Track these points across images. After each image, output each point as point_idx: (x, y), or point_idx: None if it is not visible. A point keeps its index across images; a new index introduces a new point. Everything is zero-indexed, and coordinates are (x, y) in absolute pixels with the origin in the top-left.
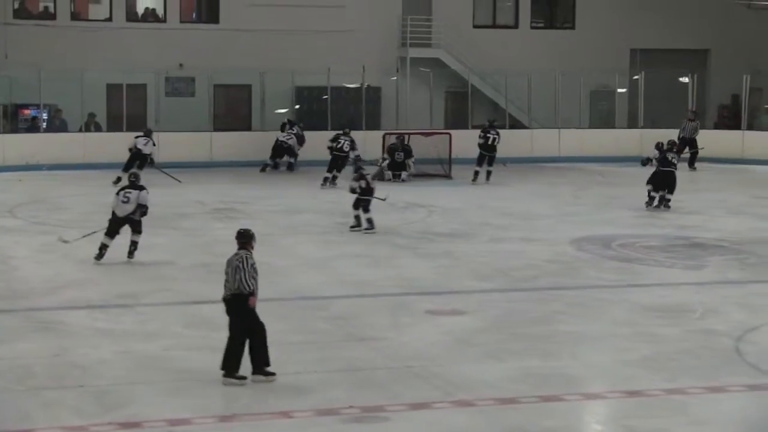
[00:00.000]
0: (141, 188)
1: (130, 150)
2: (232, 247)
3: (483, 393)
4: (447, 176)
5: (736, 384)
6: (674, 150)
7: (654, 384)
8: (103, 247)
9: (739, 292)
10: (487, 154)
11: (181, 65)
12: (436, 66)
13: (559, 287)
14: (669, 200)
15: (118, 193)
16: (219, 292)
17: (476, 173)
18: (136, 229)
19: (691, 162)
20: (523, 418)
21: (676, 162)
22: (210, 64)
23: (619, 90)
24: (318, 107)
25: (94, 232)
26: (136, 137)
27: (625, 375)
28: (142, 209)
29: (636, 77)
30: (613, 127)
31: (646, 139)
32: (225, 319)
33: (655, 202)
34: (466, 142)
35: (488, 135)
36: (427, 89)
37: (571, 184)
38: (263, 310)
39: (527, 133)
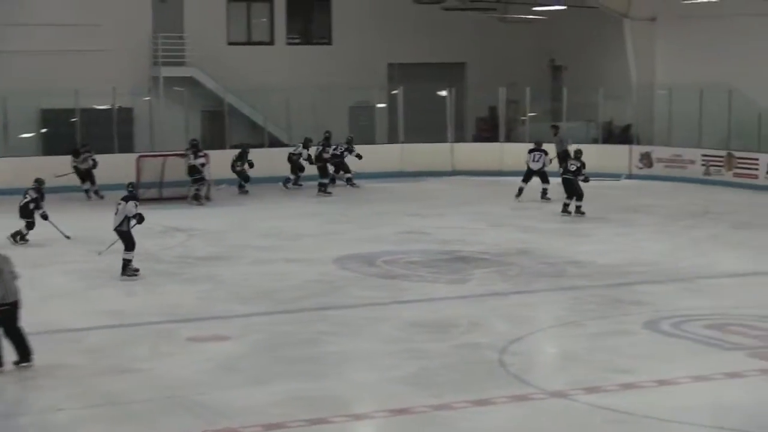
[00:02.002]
0: (130, 199)
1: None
2: None
3: (248, 419)
4: (207, 198)
5: (501, 396)
6: (576, 158)
7: (421, 401)
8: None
9: (502, 303)
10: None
11: None
12: (190, 85)
13: (324, 307)
14: (579, 206)
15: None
16: None
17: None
18: (126, 245)
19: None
20: None
21: (573, 169)
22: None
23: (379, 105)
24: (66, 130)
25: (113, 244)
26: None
27: (392, 393)
28: (129, 221)
29: (395, 92)
30: (374, 142)
31: (407, 154)
32: None
33: (569, 209)
34: (225, 162)
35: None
36: (182, 109)
37: (338, 202)
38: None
39: (286, 151)
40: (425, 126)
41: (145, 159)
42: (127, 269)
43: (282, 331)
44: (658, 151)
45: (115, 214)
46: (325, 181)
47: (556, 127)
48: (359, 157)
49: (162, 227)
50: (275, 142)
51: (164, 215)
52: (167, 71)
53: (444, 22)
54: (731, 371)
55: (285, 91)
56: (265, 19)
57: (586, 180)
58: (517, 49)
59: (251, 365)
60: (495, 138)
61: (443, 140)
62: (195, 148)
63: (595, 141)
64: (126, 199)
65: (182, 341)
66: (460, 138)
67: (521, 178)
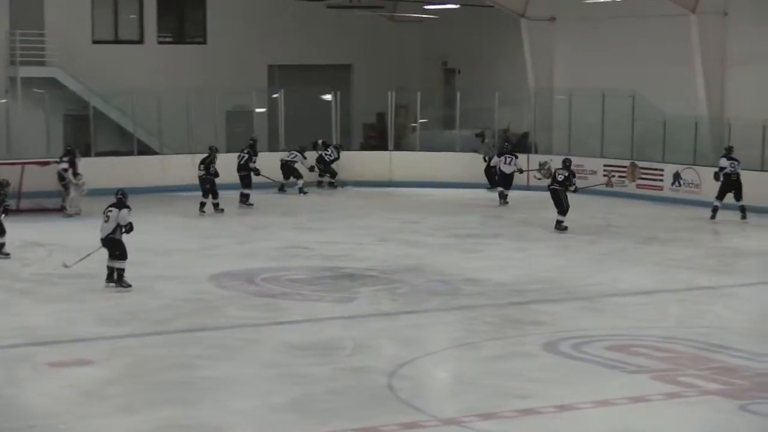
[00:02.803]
0: (122, 206)
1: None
2: None
3: None
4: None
5: (390, 423)
6: (567, 166)
7: (304, 429)
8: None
9: (390, 324)
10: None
11: None
12: (52, 86)
13: (198, 328)
14: (561, 221)
15: (104, 212)
16: None
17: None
18: (115, 254)
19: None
20: None
21: (561, 179)
22: None
23: (258, 110)
24: None
25: (89, 255)
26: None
27: (272, 421)
28: (121, 229)
29: (275, 95)
30: None
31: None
32: None
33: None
34: (93, 170)
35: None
36: (42, 112)
37: (212, 215)
38: None
39: (158, 159)
40: (308, 133)
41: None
42: (123, 281)
43: (152, 354)
44: (557, 161)
45: (105, 222)
46: (248, 191)
47: (482, 135)
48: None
49: (20, 242)
50: (145, 150)
51: (23, 228)
52: (26, 71)
53: (329, 21)
54: (635, 395)
55: (156, 94)
56: (134, 16)
57: (575, 191)
58: (407, 51)
59: (118, 392)
60: (384, 146)
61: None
62: (71, 154)
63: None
64: (117, 206)
65: (42, 366)
66: (346, 146)
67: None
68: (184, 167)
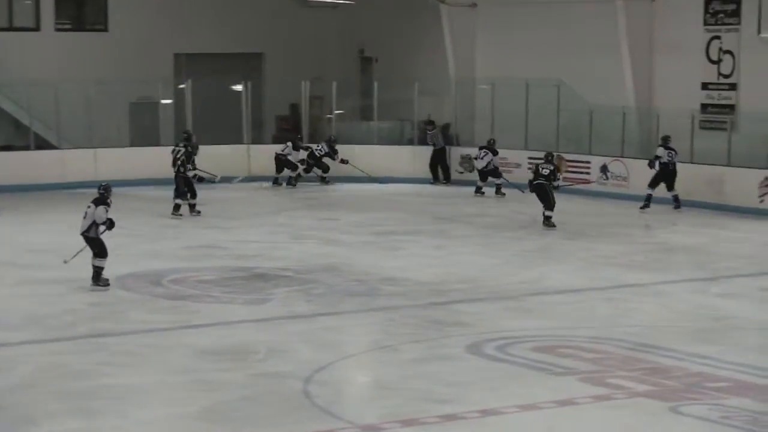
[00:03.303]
0: (101, 202)
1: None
2: None
3: None
4: None
5: (307, 431)
6: (550, 160)
7: None
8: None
9: (306, 327)
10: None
11: None
12: None
13: (103, 334)
14: (549, 217)
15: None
16: None
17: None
18: (94, 251)
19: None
20: None
21: (546, 173)
22: None
23: (164, 101)
24: None
25: (82, 250)
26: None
27: (182, 431)
28: (98, 227)
29: (182, 86)
30: (159, 144)
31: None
32: None
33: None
34: None
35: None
36: None
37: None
38: None
39: (57, 154)
40: (218, 125)
41: None
42: (100, 279)
43: (53, 362)
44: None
45: (84, 217)
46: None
47: (431, 123)
48: (344, 162)
49: None
50: (43, 144)
51: None
52: None
53: (238, 7)
54: (562, 399)
55: (54, 84)
56: (29, 1)
57: (557, 187)
58: (321, 39)
59: (17, 402)
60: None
61: (239, 141)
62: None
63: (410, 142)
64: (96, 202)
65: None
66: (257, 139)
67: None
68: (86, 162)
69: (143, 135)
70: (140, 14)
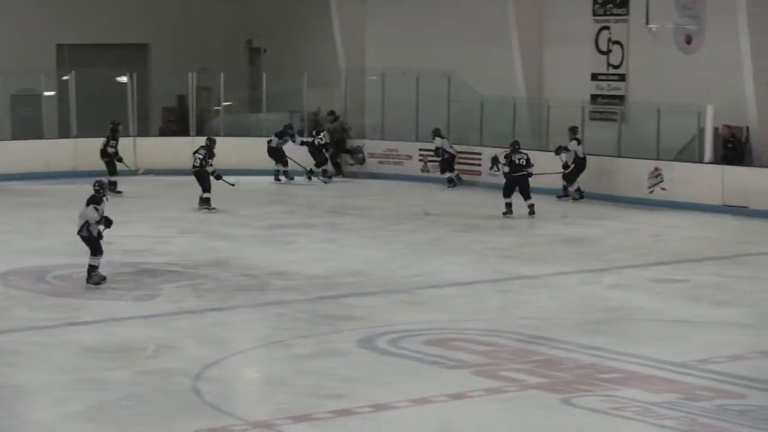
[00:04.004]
0: (92, 202)
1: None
2: None
3: None
4: None
5: (196, 429)
6: (518, 149)
7: None
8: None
9: (195, 322)
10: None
11: None
12: None
13: None
14: (532, 205)
15: None
16: None
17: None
18: (91, 250)
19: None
20: None
21: (523, 163)
22: None
23: (46, 93)
24: None
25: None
26: None
27: (70, 430)
28: (91, 227)
29: (65, 78)
30: (42, 137)
31: (81, 151)
32: None
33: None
34: None
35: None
36: None
37: None
38: None
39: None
40: (103, 117)
41: None
42: (93, 276)
43: None
44: (370, 145)
45: (79, 216)
46: (114, 179)
47: (333, 113)
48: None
49: None
50: None
51: None
52: None
53: None
54: (455, 392)
55: None
56: None
57: (530, 175)
58: (208, 29)
59: None
60: (185, 131)
61: (124, 134)
62: None
63: (300, 133)
64: (88, 201)
65: None
66: (143, 131)
67: None
68: None
69: (25, 128)
70: (21, 4)
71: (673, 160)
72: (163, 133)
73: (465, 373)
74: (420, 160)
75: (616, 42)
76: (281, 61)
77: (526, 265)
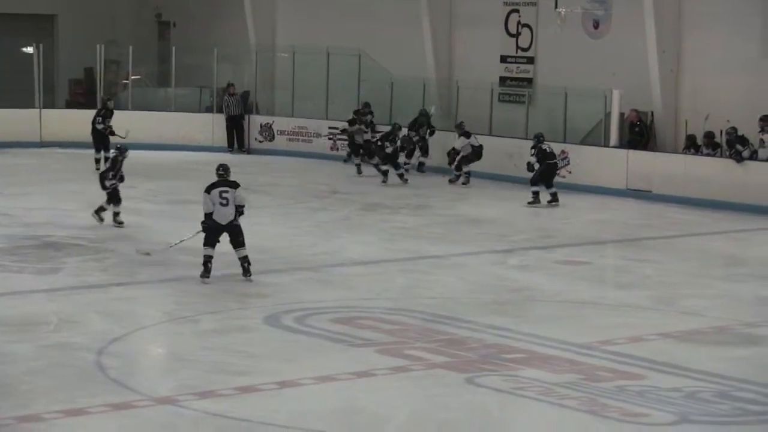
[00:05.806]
0: (236, 185)
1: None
2: None
3: None
4: None
5: (99, 404)
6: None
7: (3, 412)
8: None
9: (99, 297)
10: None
11: None
12: None
13: None
14: (555, 193)
15: (209, 191)
16: None
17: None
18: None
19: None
20: None
21: (550, 151)
22: None
23: None
24: None
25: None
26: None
27: None
28: (240, 210)
29: None
30: None
31: None
32: None
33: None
34: None
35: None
36: None
37: None
38: None
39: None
40: (7, 89)
41: None
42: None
43: None
44: (279, 123)
45: (223, 205)
46: (98, 156)
47: (231, 86)
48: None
49: None
50: None
51: None
52: None
53: None
54: (360, 370)
55: None
56: None
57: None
58: (117, 1)
59: None
60: (92, 104)
61: (30, 106)
62: None
63: (208, 110)
64: (233, 185)
65: None
66: (49, 104)
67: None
68: None
69: None
70: None
71: (580, 144)
72: (69, 105)
73: (370, 351)
74: (329, 139)
75: (526, 25)
76: (191, 35)
77: (433, 244)
